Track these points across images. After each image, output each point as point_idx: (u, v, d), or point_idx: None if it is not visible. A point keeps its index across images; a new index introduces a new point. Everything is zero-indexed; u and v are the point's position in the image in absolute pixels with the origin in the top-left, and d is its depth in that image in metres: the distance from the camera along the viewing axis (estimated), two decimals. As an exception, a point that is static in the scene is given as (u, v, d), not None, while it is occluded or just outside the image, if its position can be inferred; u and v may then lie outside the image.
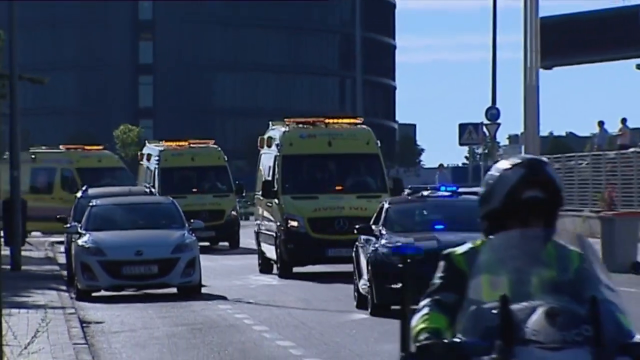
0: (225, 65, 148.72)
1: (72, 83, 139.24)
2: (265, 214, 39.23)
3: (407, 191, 29.25)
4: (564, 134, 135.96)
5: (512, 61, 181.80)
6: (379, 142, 39.65)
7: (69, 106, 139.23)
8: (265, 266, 39.13)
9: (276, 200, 37.42)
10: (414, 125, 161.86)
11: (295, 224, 36.54)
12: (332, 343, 23.92)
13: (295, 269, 37.61)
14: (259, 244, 40.17)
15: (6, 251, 36.66)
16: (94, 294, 33.59)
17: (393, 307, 25.57)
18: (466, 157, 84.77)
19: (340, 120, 39.81)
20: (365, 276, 26.40)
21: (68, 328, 24.99)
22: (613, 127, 69.15)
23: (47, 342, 22.32)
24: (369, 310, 25.70)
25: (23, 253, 44.89)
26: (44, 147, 69.30)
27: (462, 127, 76.80)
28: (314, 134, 38.54)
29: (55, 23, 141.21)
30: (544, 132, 79.57)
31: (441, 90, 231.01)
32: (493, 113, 70.84)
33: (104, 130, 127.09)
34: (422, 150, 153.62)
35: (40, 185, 59.09)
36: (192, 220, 36.64)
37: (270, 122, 41.01)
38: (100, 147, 59.56)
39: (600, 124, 70.51)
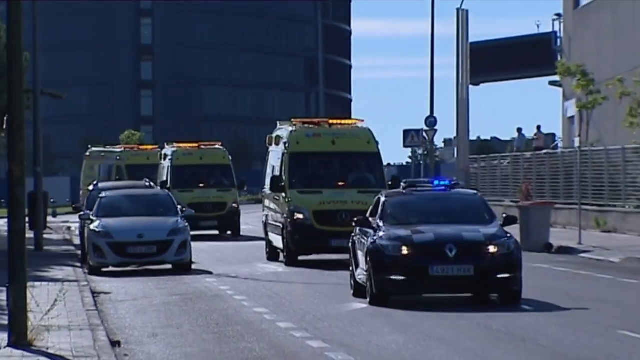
0: (212, 81, 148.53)
1: (86, 96, 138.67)
2: (273, 206, 36.27)
3: (402, 185, 25.93)
4: (489, 138, 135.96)
5: (447, 78, 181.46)
6: (378, 141, 36.95)
7: (82, 115, 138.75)
8: (272, 254, 36.38)
9: (283, 194, 34.71)
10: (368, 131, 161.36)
11: (301, 216, 33.77)
12: (299, 310, 23.88)
13: (301, 258, 34.87)
14: (266, 234, 37.21)
15: (30, 234, 36.40)
16: (103, 270, 33.48)
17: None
18: (409, 157, 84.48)
19: (342, 121, 37.31)
20: (363, 266, 23.74)
21: (82, 298, 24.92)
22: (529, 133, 69.30)
23: (64, 309, 22.24)
24: (368, 299, 23.30)
25: (44, 236, 44.75)
26: (107, 147, 69.12)
27: (406, 133, 76.46)
28: (319, 133, 35.87)
29: (71, 47, 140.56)
30: (473, 136, 79.61)
31: (389, 102, 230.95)
32: (431, 121, 70.70)
33: (111, 134, 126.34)
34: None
35: (102, 178, 57.24)
36: (184, 209, 36.66)
37: (278, 122, 38.54)
38: (150, 147, 57.14)
39: (519, 130, 70.90)
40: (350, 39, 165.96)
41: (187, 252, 33.74)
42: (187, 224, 34.63)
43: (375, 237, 23.40)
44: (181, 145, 53.33)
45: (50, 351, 17.09)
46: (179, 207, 36.50)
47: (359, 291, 24.63)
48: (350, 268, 25.55)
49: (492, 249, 22.78)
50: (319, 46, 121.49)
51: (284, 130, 36.47)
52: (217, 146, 53.96)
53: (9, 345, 17.63)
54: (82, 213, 38.92)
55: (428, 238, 23.10)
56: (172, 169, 51.16)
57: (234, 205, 50.98)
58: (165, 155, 52.95)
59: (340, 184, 35.04)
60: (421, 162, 76.41)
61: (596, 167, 50.96)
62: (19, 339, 17.76)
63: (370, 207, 25.96)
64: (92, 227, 34.60)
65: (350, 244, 25.94)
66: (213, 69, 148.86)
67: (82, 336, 18.71)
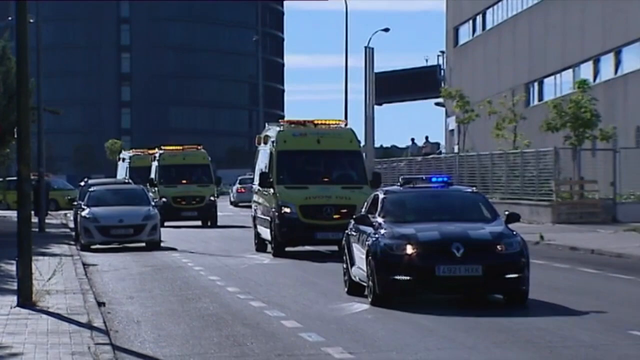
0: (176, 102, 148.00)
1: (78, 113, 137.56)
2: (262, 201, 31.22)
3: (400, 181, 20.72)
4: (389, 146, 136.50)
5: (358, 100, 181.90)
6: (360, 141, 33.39)
7: (75, 127, 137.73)
8: (260, 246, 31.31)
9: (271, 190, 29.76)
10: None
11: (288, 210, 28.86)
12: (244, 278, 23.84)
13: (288, 249, 30.13)
14: (255, 227, 32.00)
15: (35, 219, 36.17)
16: (91, 247, 33.26)
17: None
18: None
19: (326, 122, 31.81)
20: (360, 265, 18.82)
21: (75, 268, 24.77)
22: (420, 142, 69.51)
23: (61, 277, 22.12)
24: (370, 300, 18.04)
25: (46, 220, 44.53)
26: (124, 151, 65.22)
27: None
28: (305, 133, 30.78)
29: (67, 74, 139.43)
30: (377, 144, 79.77)
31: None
32: (345, 133, 70.99)
33: (98, 143, 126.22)
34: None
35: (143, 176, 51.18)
36: (155, 200, 36.84)
37: (266, 123, 34.07)
38: (181, 147, 51.39)
39: (412, 140, 71.10)
40: (284, 69, 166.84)
41: (157, 233, 33.72)
42: (157, 212, 34.66)
43: (376, 235, 18.28)
44: (168, 148, 50.70)
45: (50, 310, 17.02)
46: (163, 199, 37.76)
47: (354, 289, 19.53)
48: (344, 265, 20.16)
49: (500, 248, 17.77)
50: (259, 75, 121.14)
51: (272, 130, 31.80)
52: (198, 149, 50.89)
53: (17, 305, 17.59)
54: (75, 203, 39.06)
55: (433, 236, 18.02)
56: (159, 168, 48.22)
57: (212, 198, 47.66)
58: (155, 157, 49.96)
59: (325, 180, 30.22)
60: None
61: (470, 168, 51.40)
62: (26, 300, 17.74)
63: (366, 204, 20.70)
64: (83, 214, 34.48)
65: (344, 240, 20.54)
66: (177, 93, 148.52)
67: (75, 298, 18.63)
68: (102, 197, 35.56)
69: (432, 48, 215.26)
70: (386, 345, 14.44)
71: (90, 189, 37.29)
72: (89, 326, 15.17)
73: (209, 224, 46.84)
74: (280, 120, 32.97)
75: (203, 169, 48.78)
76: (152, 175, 48.12)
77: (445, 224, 18.50)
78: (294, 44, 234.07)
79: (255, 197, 32.68)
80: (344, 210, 27.77)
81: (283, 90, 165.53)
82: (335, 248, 27.80)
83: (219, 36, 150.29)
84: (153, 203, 35.75)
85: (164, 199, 45.88)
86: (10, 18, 29.76)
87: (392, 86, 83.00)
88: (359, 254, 18.97)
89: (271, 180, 29.76)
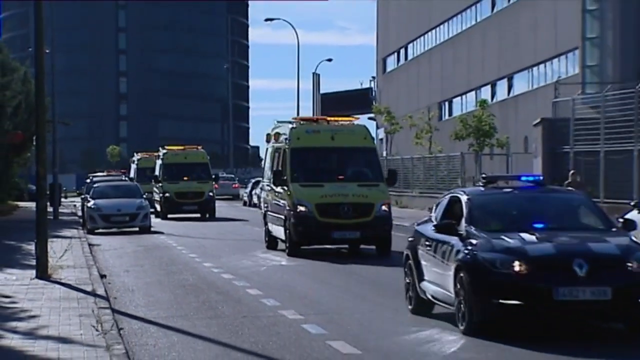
0: (164, 116, 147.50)
1: (84, 124, 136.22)
2: (274, 199, 25.00)
3: (480, 181, 13.78)
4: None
5: (307, 115, 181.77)
6: (374, 137, 27.79)
7: (82, 136, 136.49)
8: (271, 243, 25.49)
9: (285, 188, 23.63)
10: (258, 147, 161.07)
11: (303, 208, 22.92)
12: (218, 255, 23.75)
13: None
14: (265, 224, 26.11)
15: (50, 209, 35.92)
16: (95, 231, 33.07)
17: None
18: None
19: (339, 119, 25.97)
20: (444, 284, 12.17)
21: (82, 248, 24.62)
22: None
23: (71, 255, 22.00)
24: (462, 328, 11.62)
25: (60, 210, 44.29)
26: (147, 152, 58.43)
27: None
28: (318, 130, 24.62)
29: (76, 93, 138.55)
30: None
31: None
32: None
33: (101, 148, 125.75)
34: (262, 158, 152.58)
35: (148, 175, 47.66)
36: (146, 194, 36.74)
37: (275, 121, 27.63)
38: (183, 147, 46.82)
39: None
40: (249, 91, 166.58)
41: (148, 220, 33.65)
42: (147, 203, 34.67)
43: (469, 247, 11.73)
44: (171, 148, 45.80)
45: (62, 281, 16.91)
46: (166, 194, 36.97)
47: (421, 307, 13.19)
48: (407, 279, 13.68)
49: (631, 265, 11.33)
50: (229, 95, 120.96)
51: (284, 127, 25.64)
52: (198, 148, 46.44)
53: (36, 277, 17.45)
54: (82, 196, 39.01)
55: (547, 251, 11.53)
56: (163, 166, 43.60)
57: (210, 193, 42.99)
58: (159, 156, 45.43)
59: (340, 177, 23.85)
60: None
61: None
62: (42, 273, 17.60)
63: (436, 208, 13.69)
64: (88, 205, 34.42)
65: (407, 250, 13.65)
66: (165, 109, 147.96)
67: (82, 272, 18.52)
68: (104, 191, 35.48)
69: (366, 74, 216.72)
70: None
71: (94, 185, 37.57)
72: (93, 294, 15.11)
73: (207, 216, 42.51)
74: (292, 118, 26.77)
75: (202, 167, 44.38)
76: (157, 173, 44.29)
77: (556, 235, 11.98)
78: (257, 70, 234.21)
79: (265, 195, 26.63)
80: (361, 209, 22.61)
81: (248, 107, 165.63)
82: (345, 245, 23.84)
83: (198, 64, 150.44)
84: (144, 196, 35.65)
85: (167, 194, 42.16)
86: (30, 49, 29.49)
87: (335, 104, 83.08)
88: (434, 267, 12.70)
89: (285, 178, 23.68)
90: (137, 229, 33.17)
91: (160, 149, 45.68)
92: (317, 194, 22.99)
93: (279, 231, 24.23)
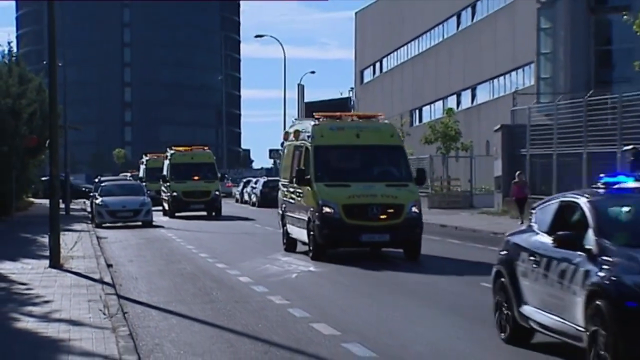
0: (165, 122, 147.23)
1: (93, 129, 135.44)
2: (294, 199, 21.03)
3: (600, 182, 8.90)
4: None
5: (280, 123, 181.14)
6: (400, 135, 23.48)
7: (91, 140, 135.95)
8: (290, 246, 21.45)
9: (308, 188, 19.79)
10: (249, 150, 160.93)
11: (329, 210, 19.08)
12: (213, 247, 23.70)
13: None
14: (284, 226, 21.90)
15: (62, 205, 35.81)
16: (103, 225, 32.90)
17: None
18: (272, 164, 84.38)
19: (363, 115, 22.55)
20: (574, 316, 7.98)
21: (91, 240, 24.54)
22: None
23: (81, 247, 21.92)
24: None
25: (71, 206, 44.10)
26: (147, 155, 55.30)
27: (271, 151, 76.66)
28: (343, 127, 20.73)
29: (86, 102, 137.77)
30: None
31: (261, 134, 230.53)
32: (284, 144, 70.88)
33: (108, 151, 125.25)
34: (252, 160, 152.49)
35: (157, 174, 44.52)
36: (148, 192, 36.65)
37: (293, 119, 24.33)
38: (190, 148, 43.17)
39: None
40: (240, 99, 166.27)
41: (150, 216, 33.41)
42: (150, 200, 34.46)
43: (608, 267, 7.76)
44: (178, 148, 42.41)
45: (72, 270, 16.84)
46: (174, 193, 36.48)
47: (518, 336, 9.61)
48: (496, 297, 10.06)
49: None
50: (223, 103, 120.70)
51: (304, 124, 21.87)
52: (205, 149, 43.31)
53: (49, 266, 17.36)
54: (91, 194, 38.82)
55: None
56: (171, 166, 40.46)
57: (217, 192, 39.99)
58: (167, 156, 42.20)
59: (367, 177, 20.01)
60: (279, 166, 76.46)
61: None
62: (55, 263, 17.52)
63: (543, 216, 9.67)
64: (97, 201, 34.18)
65: (499, 267, 9.99)
66: (165, 116, 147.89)
67: (90, 262, 18.45)
68: (111, 190, 35.31)
69: (345, 85, 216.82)
70: None
71: (102, 184, 37.43)
72: (100, 281, 15.06)
73: (213, 214, 39.34)
74: (314, 114, 22.09)
75: (209, 167, 41.09)
76: (165, 172, 41.15)
77: None
78: (247, 81, 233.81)
79: (283, 195, 22.42)
80: (391, 210, 19.01)
81: (240, 114, 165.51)
82: (383, 250, 20.32)
83: (195, 76, 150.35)
84: (147, 194, 35.51)
85: (174, 193, 39.19)
86: (44, 62, 29.44)
87: (317, 111, 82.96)
88: (545, 290, 8.98)
89: (308, 177, 19.86)
90: (140, 223, 33.00)
91: (168, 149, 42.73)
92: (344, 195, 19.24)
93: (300, 233, 20.43)
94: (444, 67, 63.38)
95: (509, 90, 51.64)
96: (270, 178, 57.37)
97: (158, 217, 36.07)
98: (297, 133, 21.73)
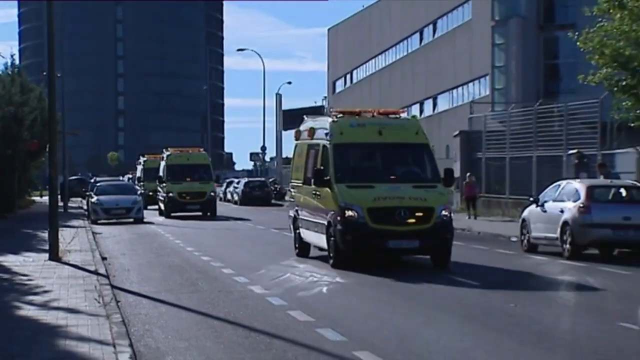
0: (155, 128, 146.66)
1: (90, 134, 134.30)
2: (310, 201, 17.48)
3: None
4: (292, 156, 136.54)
5: (271, 128, 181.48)
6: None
7: (88, 144, 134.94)
8: (302, 250, 18.27)
9: (328, 189, 16.38)
10: (232, 153, 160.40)
11: (353, 214, 15.65)
12: (199, 242, 23.63)
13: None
14: (296, 229, 18.57)
15: (61, 203, 35.57)
16: (98, 222, 32.70)
17: None
18: (252, 165, 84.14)
19: (384, 111, 18.19)
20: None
21: (87, 236, 24.39)
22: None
23: (78, 241, 21.79)
24: None
25: (69, 204, 43.80)
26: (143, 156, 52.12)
27: (252, 154, 76.46)
28: (364, 123, 17.13)
29: (83, 108, 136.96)
30: (284, 155, 79.77)
31: (242, 139, 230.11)
32: (263, 147, 70.81)
33: (103, 154, 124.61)
34: (235, 162, 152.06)
35: (153, 175, 42.30)
36: (140, 192, 36.44)
37: (304, 116, 19.84)
38: (186, 149, 40.56)
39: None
40: (224, 107, 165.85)
41: (141, 213, 33.29)
42: (141, 199, 34.37)
43: None
44: (174, 149, 39.89)
45: (70, 262, 16.72)
46: (170, 194, 35.41)
47: None
48: None
49: None
50: (208, 110, 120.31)
51: (320, 121, 18.35)
52: (200, 150, 41.11)
53: (49, 259, 17.25)
54: (87, 193, 38.56)
55: None
56: (167, 167, 38.03)
57: (212, 193, 37.58)
58: (163, 157, 39.61)
59: (392, 177, 16.48)
60: (259, 169, 76.25)
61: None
62: (54, 256, 17.41)
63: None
64: (92, 200, 34.01)
65: None
66: (155, 122, 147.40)
67: (87, 255, 18.34)
68: (105, 189, 35.09)
69: (319, 95, 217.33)
70: None
71: (97, 184, 37.22)
72: (96, 273, 14.97)
73: (209, 214, 36.75)
74: (331, 110, 18.91)
75: (204, 168, 38.50)
76: (161, 173, 38.64)
77: None
78: (230, 91, 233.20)
79: (296, 197, 18.89)
80: (420, 214, 15.68)
81: (223, 121, 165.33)
82: (409, 258, 17.06)
83: (183, 85, 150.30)
84: (139, 192, 35.31)
85: (170, 194, 36.86)
86: (44, 73, 29.27)
87: (294, 118, 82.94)
88: None
89: (328, 178, 16.52)
90: (132, 220, 32.84)
91: (165, 150, 40.20)
92: (369, 197, 15.83)
93: (317, 238, 17.17)
94: (408, 78, 63.64)
95: (467, 99, 51.93)
96: (250, 179, 57.27)
97: (154, 217, 35.47)
98: (311, 131, 18.31)
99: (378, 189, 15.97)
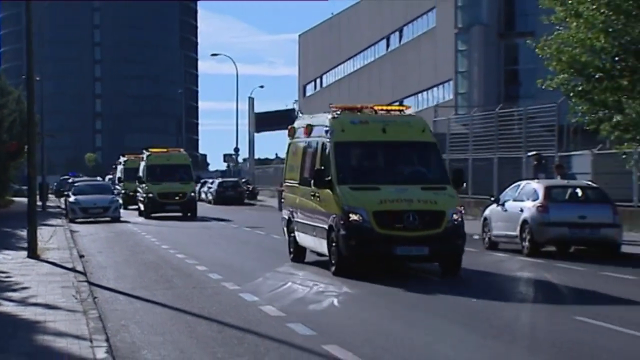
0: (131, 130, 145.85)
1: (68, 136, 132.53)
2: (309, 203, 15.38)
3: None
4: (264, 157, 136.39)
5: (244, 130, 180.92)
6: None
7: (66, 145, 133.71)
8: (297, 255, 16.28)
9: (329, 191, 14.42)
10: (206, 155, 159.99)
11: (357, 217, 13.74)
12: (174, 240, 23.50)
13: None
14: (290, 232, 16.51)
15: (40, 202, 35.20)
16: (75, 221, 32.37)
17: None
18: (226, 166, 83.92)
19: (388, 107, 16.23)
20: None
21: (65, 234, 24.17)
22: (283, 155, 69.34)
23: (56, 239, 21.59)
24: None
25: (47, 203, 43.36)
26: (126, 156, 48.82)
27: (225, 155, 76.25)
28: (367, 120, 15.08)
29: (61, 110, 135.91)
30: (256, 157, 79.65)
31: (217, 140, 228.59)
32: (236, 149, 70.68)
33: (80, 155, 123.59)
34: (209, 163, 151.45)
35: (134, 175, 39.88)
36: (120, 192, 36.20)
37: (300, 112, 13.94)
38: (166, 150, 38.67)
39: (276, 154, 70.99)
40: (198, 110, 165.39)
41: (118, 212, 33.03)
42: (118, 198, 34.11)
43: None
44: (154, 150, 37.81)
45: (48, 260, 16.55)
46: (150, 194, 34.43)
47: None
48: None
49: None
50: (183, 113, 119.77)
51: (318, 118, 16.14)
52: (181, 151, 39.34)
53: (27, 257, 17.06)
54: (65, 193, 38.18)
55: None
56: (147, 167, 36.13)
57: (192, 194, 35.66)
58: (143, 158, 37.73)
59: (398, 179, 14.59)
60: (232, 170, 76.07)
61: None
62: (33, 254, 17.22)
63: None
64: (70, 199, 33.69)
65: None
66: (132, 124, 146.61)
67: (64, 253, 18.17)
68: (83, 189, 34.78)
69: (290, 98, 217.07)
70: None
71: (75, 184, 36.90)
72: (73, 270, 14.84)
73: (189, 215, 34.94)
74: (330, 105, 16.06)
75: (185, 168, 36.59)
76: (140, 174, 36.80)
77: None
78: (204, 94, 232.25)
79: (290, 197, 16.78)
80: (429, 218, 13.87)
81: (197, 123, 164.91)
82: (418, 265, 15.07)
83: (159, 89, 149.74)
84: (115, 192, 35.04)
85: (150, 194, 35.16)
86: (23, 77, 28.93)
87: (266, 121, 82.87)
88: None
89: (329, 178, 14.55)
90: (109, 219, 32.60)
91: (144, 151, 38.25)
92: (374, 200, 13.95)
93: (317, 243, 15.23)
94: (376, 82, 63.88)
95: (432, 103, 52.22)
96: (224, 179, 57.04)
97: (133, 218, 34.73)
98: (309, 128, 16.20)
99: (384, 191, 14.11)
